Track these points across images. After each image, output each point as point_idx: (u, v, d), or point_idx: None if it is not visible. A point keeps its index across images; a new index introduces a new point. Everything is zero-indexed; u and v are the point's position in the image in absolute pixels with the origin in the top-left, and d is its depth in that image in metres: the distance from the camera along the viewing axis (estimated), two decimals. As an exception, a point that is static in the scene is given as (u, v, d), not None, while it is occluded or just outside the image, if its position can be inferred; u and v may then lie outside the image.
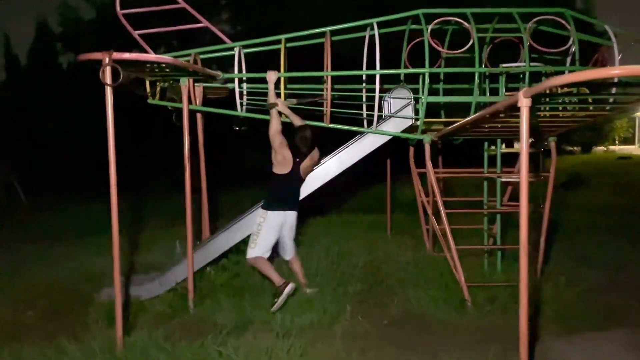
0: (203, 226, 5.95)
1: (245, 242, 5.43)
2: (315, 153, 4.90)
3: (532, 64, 5.22)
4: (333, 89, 5.20)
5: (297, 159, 4.79)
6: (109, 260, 6.53)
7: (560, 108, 3.63)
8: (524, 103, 2.79)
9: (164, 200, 11.26)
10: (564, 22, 4.74)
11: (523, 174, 2.84)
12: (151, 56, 3.78)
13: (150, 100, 5.15)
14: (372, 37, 5.00)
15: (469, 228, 6.03)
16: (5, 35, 15.55)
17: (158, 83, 5.19)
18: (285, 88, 4.90)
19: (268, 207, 4.83)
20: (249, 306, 4.69)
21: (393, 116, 5.08)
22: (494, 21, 5.36)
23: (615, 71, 2.49)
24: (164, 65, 4.09)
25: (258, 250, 4.77)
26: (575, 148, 37.84)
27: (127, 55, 3.61)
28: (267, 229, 4.78)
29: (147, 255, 6.67)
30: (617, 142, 43.90)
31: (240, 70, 5.18)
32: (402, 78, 5.74)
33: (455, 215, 6.20)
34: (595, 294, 5.20)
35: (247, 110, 5.34)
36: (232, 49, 5.10)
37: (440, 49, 5.24)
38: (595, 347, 3.97)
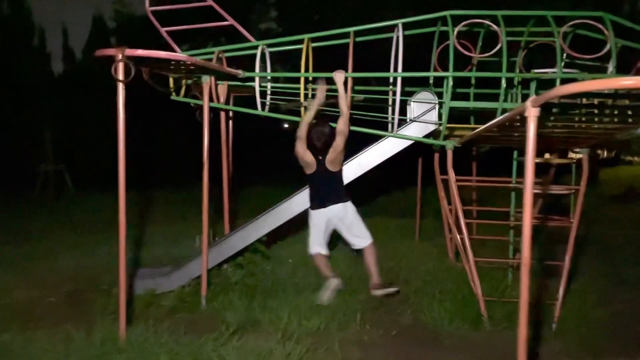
0: (225, 222, 5.99)
1: (261, 240, 5.45)
2: (335, 141, 4.74)
3: (566, 70, 4.96)
4: (355, 91, 5.09)
5: (320, 157, 4.77)
6: (140, 249, 6.82)
7: (577, 119, 3.40)
8: (532, 113, 2.62)
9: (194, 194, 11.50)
10: (601, 26, 4.44)
11: (527, 186, 2.68)
12: (162, 53, 3.81)
13: (173, 97, 5.22)
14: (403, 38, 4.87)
15: (492, 239, 5.78)
16: (64, 28, 16.20)
17: (183, 80, 5.25)
18: (306, 88, 4.84)
19: (310, 206, 4.96)
20: (258, 306, 4.67)
21: (415, 120, 4.93)
22: (528, 24, 5.10)
23: (626, 82, 2.29)
24: (181, 63, 4.13)
25: (311, 248, 5.00)
26: (635, 158, 35.96)
27: (139, 52, 3.65)
28: (313, 228, 4.95)
29: (168, 248, 6.79)
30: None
31: (264, 70, 5.17)
32: (431, 81, 5.57)
33: (483, 225, 5.99)
34: (629, 317, 4.88)
35: (271, 110, 5.32)
36: (255, 47, 5.08)
37: (469, 53, 5.02)
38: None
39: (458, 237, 4.87)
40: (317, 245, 4.94)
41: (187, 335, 4.01)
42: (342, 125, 4.69)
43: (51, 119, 13.97)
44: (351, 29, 4.89)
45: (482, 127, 3.64)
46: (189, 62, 4.05)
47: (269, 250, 6.02)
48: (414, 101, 4.96)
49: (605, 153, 38.48)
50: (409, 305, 4.89)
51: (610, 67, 4.62)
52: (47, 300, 5.10)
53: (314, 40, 5.20)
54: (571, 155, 5.58)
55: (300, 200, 5.15)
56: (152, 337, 3.83)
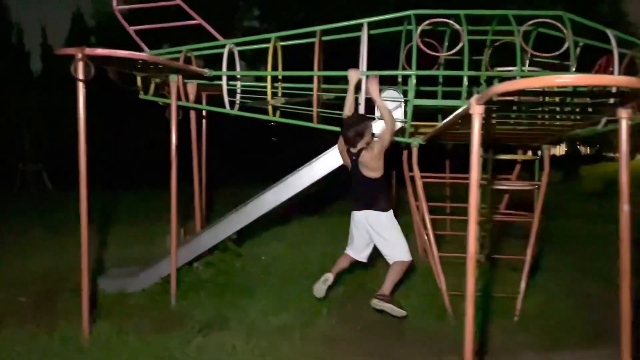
0: (195, 221, 6.01)
1: (232, 238, 5.49)
2: (372, 143, 4.32)
3: (531, 68, 5.05)
4: (322, 89, 5.13)
5: (354, 157, 4.43)
6: (114, 249, 6.81)
7: (539, 116, 3.46)
8: (476, 110, 2.68)
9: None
10: (561, 25, 4.53)
11: (473, 181, 2.75)
12: (121, 52, 3.82)
13: (141, 95, 5.22)
14: (370, 37, 4.91)
15: (455, 235, 5.86)
16: (42, 27, 16.11)
17: (152, 79, 5.26)
18: (275, 87, 4.88)
19: None
20: (227, 304, 4.71)
21: (381, 118, 4.97)
22: (492, 23, 5.18)
23: (564, 79, 2.36)
24: (145, 62, 4.14)
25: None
26: (618, 155, 36.30)
27: (98, 51, 3.67)
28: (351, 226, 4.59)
29: (144, 248, 6.79)
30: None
31: (232, 69, 5.19)
32: (399, 80, 5.63)
33: (459, 221, 6.04)
34: (590, 308, 4.97)
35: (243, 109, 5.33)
36: (223, 46, 5.10)
37: (434, 52, 5.08)
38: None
39: (424, 233, 4.94)
40: (348, 243, 4.60)
41: (153, 333, 4.03)
42: (383, 133, 4.32)
43: (30, 118, 13.87)
44: (317, 28, 4.92)
45: (439, 124, 3.71)
46: (150, 61, 4.07)
47: (243, 248, 6.06)
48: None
49: (588, 150, 39.09)
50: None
51: (573, 66, 4.71)
52: (16, 299, 5.09)
53: (285, 38, 5.23)
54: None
55: (271, 198, 5.16)
56: (115, 336, 3.85)
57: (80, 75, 3.63)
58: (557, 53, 4.52)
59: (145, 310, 4.75)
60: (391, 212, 4.40)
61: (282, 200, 5.11)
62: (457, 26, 4.58)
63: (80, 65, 3.62)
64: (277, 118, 5.10)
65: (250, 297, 4.88)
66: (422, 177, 4.84)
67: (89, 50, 3.61)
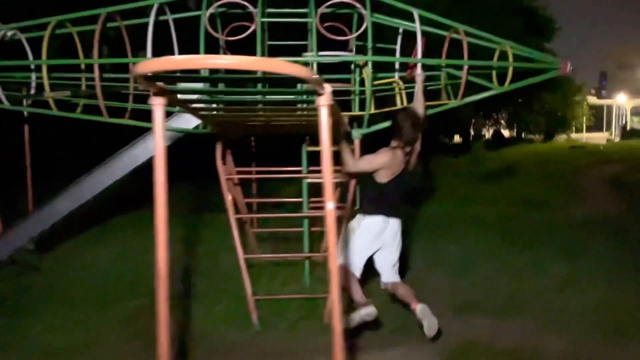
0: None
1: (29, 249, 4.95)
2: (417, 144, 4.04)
3: (342, 53, 4.76)
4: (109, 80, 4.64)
5: (407, 157, 4.05)
6: None
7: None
8: (155, 102, 2.28)
9: None
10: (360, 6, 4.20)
11: (158, 178, 2.33)
12: None
13: None
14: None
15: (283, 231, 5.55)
16: None
17: None
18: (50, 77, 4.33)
19: (366, 211, 4.08)
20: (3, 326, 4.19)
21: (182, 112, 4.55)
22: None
23: (218, 61, 1.98)
24: None
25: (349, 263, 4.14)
26: (536, 136, 37.73)
27: None
28: (362, 236, 4.03)
29: None
30: (584, 130, 43.91)
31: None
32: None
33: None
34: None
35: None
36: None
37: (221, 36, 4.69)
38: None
39: (235, 232, 4.52)
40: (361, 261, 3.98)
41: None
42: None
43: None
44: (101, 11, 4.37)
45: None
46: None
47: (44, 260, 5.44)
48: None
49: (508, 132, 40.42)
50: (178, 311, 4.50)
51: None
52: None
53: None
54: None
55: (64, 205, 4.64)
56: None
57: None
58: (354, 36, 4.23)
59: None
60: None
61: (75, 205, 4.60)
62: (251, 8, 4.19)
63: None
64: (53, 112, 4.51)
65: (34, 317, 4.35)
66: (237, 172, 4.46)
67: None
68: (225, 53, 5.18)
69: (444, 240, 6.49)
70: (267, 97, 3.60)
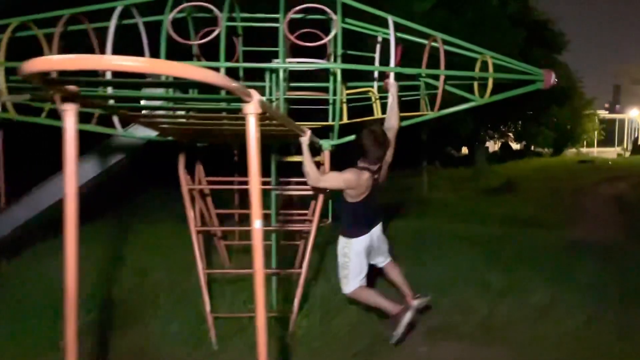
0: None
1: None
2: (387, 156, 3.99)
3: (315, 60, 4.56)
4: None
5: (375, 176, 3.97)
6: None
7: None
8: (66, 107, 2.09)
9: None
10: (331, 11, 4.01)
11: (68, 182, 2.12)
12: None
13: None
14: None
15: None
16: None
17: None
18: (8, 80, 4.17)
19: (349, 234, 3.99)
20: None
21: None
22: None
23: (121, 63, 1.78)
24: None
25: (349, 284, 4.11)
26: (545, 150, 37.20)
27: None
28: (354, 260, 4.00)
29: None
30: (595, 144, 43.26)
31: None
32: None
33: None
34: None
35: None
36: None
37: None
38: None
39: (195, 245, 4.31)
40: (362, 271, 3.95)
41: None
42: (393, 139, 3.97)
43: None
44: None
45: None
46: None
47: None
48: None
49: (518, 145, 39.91)
50: (133, 328, 4.29)
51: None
52: None
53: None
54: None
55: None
56: None
57: None
58: (322, 42, 4.03)
59: None
60: None
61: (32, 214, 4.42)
62: (217, 12, 4.00)
63: None
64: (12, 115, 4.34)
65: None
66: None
67: None
68: (199, 59, 5.01)
69: (429, 257, 6.25)
70: (188, 103, 3.43)
